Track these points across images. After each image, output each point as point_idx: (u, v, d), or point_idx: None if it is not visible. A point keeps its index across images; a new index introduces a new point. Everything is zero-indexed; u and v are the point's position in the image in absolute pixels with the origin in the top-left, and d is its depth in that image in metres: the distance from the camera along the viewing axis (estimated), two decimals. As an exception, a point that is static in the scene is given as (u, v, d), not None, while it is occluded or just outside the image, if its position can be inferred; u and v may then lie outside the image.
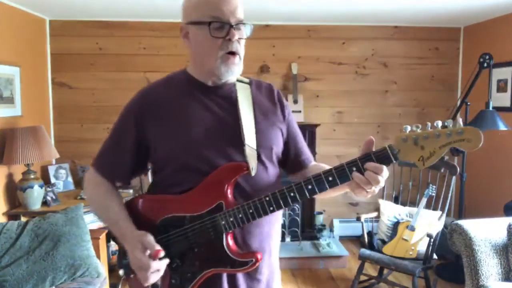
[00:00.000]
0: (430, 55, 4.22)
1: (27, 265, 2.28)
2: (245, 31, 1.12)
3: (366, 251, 2.88)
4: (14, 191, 3.14)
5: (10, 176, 3.17)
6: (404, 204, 3.24)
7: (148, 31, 3.95)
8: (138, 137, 1.14)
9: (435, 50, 4.22)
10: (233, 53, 1.09)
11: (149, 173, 1.31)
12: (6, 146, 3.00)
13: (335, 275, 3.49)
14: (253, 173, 1.10)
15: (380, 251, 2.88)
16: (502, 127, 3.11)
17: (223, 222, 1.07)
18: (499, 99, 3.61)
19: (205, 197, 1.09)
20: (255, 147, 1.13)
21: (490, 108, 3.19)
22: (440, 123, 0.94)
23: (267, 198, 1.05)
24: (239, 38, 1.10)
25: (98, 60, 3.95)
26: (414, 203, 3.13)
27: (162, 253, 1.03)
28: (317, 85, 4.17)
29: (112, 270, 3.37)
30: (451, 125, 0.93)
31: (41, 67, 3.79)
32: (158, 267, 1.03)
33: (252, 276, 1.16)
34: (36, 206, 3.10)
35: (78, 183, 3.82)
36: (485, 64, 3.28)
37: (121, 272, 1.18)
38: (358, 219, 3.03)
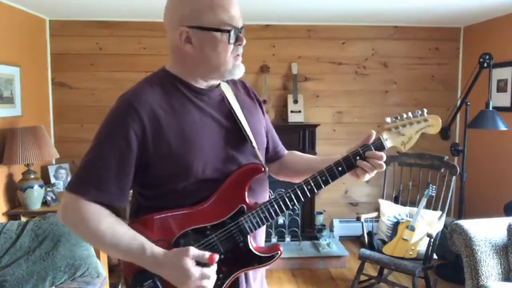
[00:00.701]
0: (430, 55, 4.22)
1: (27, 265, 2.28)
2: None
3: (366, 251, 2.88)
4: (14, 191, 3.14)
5: (10, 176, 3.17)
6: (404, 204, 3.24)
7: (148, 31, 3.95)
8: (139, 155, 1.03)
9: (435, 50, 4.22)
10: (239, 56, 1.12)
11: None
12: (6, 146, 3.00)
13: (335, 275, 3.49)
14: (267, 173, 1.14)
15: (380, 251, 2.88)
16: (502, 127, 3.11)
17: (247, 225, 1.09)
18: (499, 99, 3.61)
19: (225, 204, 1.09)
20: (257, 146, 1.16)
21: (490, 108, 3.19)
22: (410, 114, 1.18)
23: (288, 194, 1.11)
24: None
25: (98, 60, 3.95)
26: (414, 203, 3.13)
27: (217, 256, 1.03)
28: (317, 85, 4.17)
29: (112, 270, 3.37)
30: (419, 115, 1.18)
31: (41, 67, 3.79)
32: (214, 272, 1.02)
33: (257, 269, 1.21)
34: (36, 206, 3.10)
35: (78, 183, 3.82)
36: (485, 64, 3.28)
37: None
38: (358, 219, 3.03)
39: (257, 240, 1.18)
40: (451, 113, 3.68)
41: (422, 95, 4.24)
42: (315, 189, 1.13)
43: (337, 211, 4.28)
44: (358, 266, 2.96)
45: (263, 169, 1.12)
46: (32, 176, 3.08)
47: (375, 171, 1.14)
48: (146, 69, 3.98)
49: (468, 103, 3.38)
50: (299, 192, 1.12)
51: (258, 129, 1.22)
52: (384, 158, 1.13)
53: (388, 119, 1.17)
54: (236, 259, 1.10)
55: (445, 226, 2.89)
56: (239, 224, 1.09)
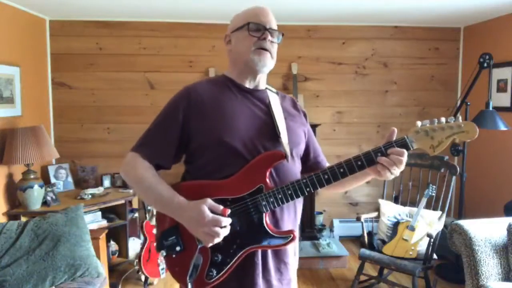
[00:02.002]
0: (430, 55, 4.21)
1: (27, 265, 2.28)
2: (277, 38, 1.33)
3: (366, 251, 2.88)
4: (14, 191, 3.13)
5: (10, 176, 3.17)
6: (404, 204, 3.24)
7: (148, 31, 3.95)
8: (183, 126, 1.27)
9: (435, 50, 4.22)
10: (265, 49, 1.29)
11: None
12: (6, 146, 3.00)
13: (335, 275, 3.49)
14: (289, 161, 1.26)
15: (380, 251, 2.88)
16: (502, 127, 3.11)
17: (264, 203, 1.21)
18: (499, 99, 3.61)
19: (247, 181, 1.22)
20: (287, 141, 1.29)
21: (490, 108, 3.19)
22: (443, 119, 1.17)
23: (304, 181, 1.22)
24: (271, 42, 1.30)
25: (98, 60, 3.95)
26: (414, 203, 3.13)
27: (229, 211, 1.18)
28: (317, 85, 4.17)
29: (112, 270, 3.37)
30: (453, 121, 1.16)
31: (41, 67, 3.79)
32: (227, 223, 1.16)
33: (279, 258, 1.30)
34: (36, 206, 3.10)
35: (78, 183, 3.82)
36: (485, 64, 3.28)
37: (162, 253, 1.27)
38: (358, 219, 3.03)
39: (282, 226, 1.26)
40: (451, 113, 3.68)
41: (422, 95, 4.25)
42: (331, 179, 1.21)
43: (337, 211, 4.28)
44: (358, 266, 2.96)
45: (283, 156, 1.23)
46: (32, 176, 3.08)
47: (396, 169, 1.17)
48: (146, 69, 3.98)
49: (468, 103, 3.38)
50: (315, 180, 1.21)
51: (296, 131, 1.35)
52: (405, 154, 1.17)
53: (419, 122, 1.19)
54: (250, 234, 1.22)
55: (445, 226, 2.89)
56: (256, 201, 1.21)
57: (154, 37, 3.95)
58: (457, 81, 4.28)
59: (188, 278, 1.18)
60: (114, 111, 3.97)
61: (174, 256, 1.26)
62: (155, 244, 1.31)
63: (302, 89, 4.09)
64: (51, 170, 3.69)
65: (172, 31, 3.95)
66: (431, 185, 2.96)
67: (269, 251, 1.27)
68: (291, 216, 1.31)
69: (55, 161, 3.82)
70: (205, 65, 3.99)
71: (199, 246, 1.20)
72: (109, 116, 3.96)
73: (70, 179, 3.79)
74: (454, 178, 2.95)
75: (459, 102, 3.58)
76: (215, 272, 1.21)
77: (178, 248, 1.25)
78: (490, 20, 3.81)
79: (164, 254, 1.26)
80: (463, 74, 4.23)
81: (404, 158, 1.17)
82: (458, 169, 2.93)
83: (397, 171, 1.18)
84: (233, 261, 1.21)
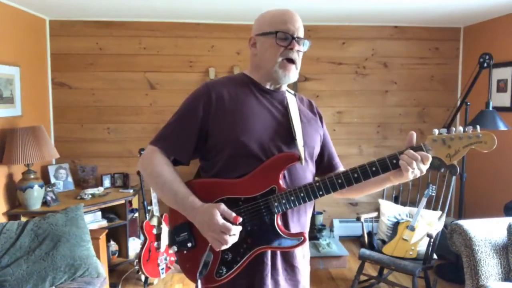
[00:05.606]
0: (430, 55, 4.22)
1: (27, 265, 2.28)
2: (304, 47, 1.32)
3: (366, 251, 2.88)
4: (14, 191, 3.14)
5: (10, 176, 3.17)
6: (404, 204, 3.24)
7: (148, 31, 3.95)
8: (202, 122, 1.27)
9: (435, 50, 4.22)
10: (291, 61, 1.29)
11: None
12: (6, 146, 3.00)
13: (335, 275, 3.49)
14: (303, 163, 1.26)
15: (380, 251, 2.88)
16: (502, 127, 3.11)
17: (275, 204, 1.22)
18: (499, 99, 3.61)
19: (260, 181, 1.23)
20: (302, 144, 1.29)
21: (490, 108, 3.19)
22: (461, 128, 1.17)
23: (317, 184, 1.23)
24: (298, 51, 1.29)
25: (98, 60, 3.95)
26: (414, 203, 3.13)
27: (240, 219, 1.17)
28: (317, 85, 4.17)
29: (112, 270, 3.37)
30: (471, 130, 1.17)
31: (41, 67, 3.79)
32: (236, 231, 1.15)
33: (287, 260, 1.30)
34: (36, 206, 3.10)
35: (78, 183, 3.82)
36: (485, 64, 3.28)
37: (173, 248, 1.28)
38: (358, 219, 3.03)
39: (291, 229, 1.26)
40: (451, 113, 3.68)
41: (422, 95, 4.25)
42: (345, 184, 1.21)
43: (337, 211, 4.28)
44: (358, 266, 2.96)
45: (298, 158, 1.23)
46: (32, 176, 3.08)
47: (416, 169, 1.16)
48: (146, 69, 3.98)
49: (468, 103, 3.38)
50: (328, 184, 1.22)
51: (311, 134, 1.36)
52: (425, 159, 1.17)
53: (436, 130, 1.19)
54: (261, 234, 1.22)
55: (445, 226, 2.89)
56: (268, 201, 1.22)
57: (154, 37, 3.95)
58: (457, 81, 4.28)
59: (198, 274, 1.19)
60: (114, 111, 3.97)
61: (185, 252, 1.27)
62: (167, 239, 1.32)
63: (302, 89, 4.09)
64: (51, 170, 3.69)
65: (172, 31, 3.95)
66: (431, 185, 2.96)
67: (279, 252, 1.27)
68: (301, 219, 1.31)
69: (55, 161, 3.82)
70: (205, 65, 3.99)
71: (210, 244, 1.19)
72: (109, 116, 3.95)
73: (70, 179, 3.79)
74: (454, 178, 2.95)
75: (459, 102, 3.57)
76: (225, 270, 1.22)
77: (189, 245, 1.26)
78: (490, 20, 3.81)
79: (176, 249, 1.27)
80: (463, 74, 4.23)
81: (420, 157, 1.16)
82: (458, 169, 2.93)
83: (417, 171, 1.17)
84: (243, 260, 1.22)
